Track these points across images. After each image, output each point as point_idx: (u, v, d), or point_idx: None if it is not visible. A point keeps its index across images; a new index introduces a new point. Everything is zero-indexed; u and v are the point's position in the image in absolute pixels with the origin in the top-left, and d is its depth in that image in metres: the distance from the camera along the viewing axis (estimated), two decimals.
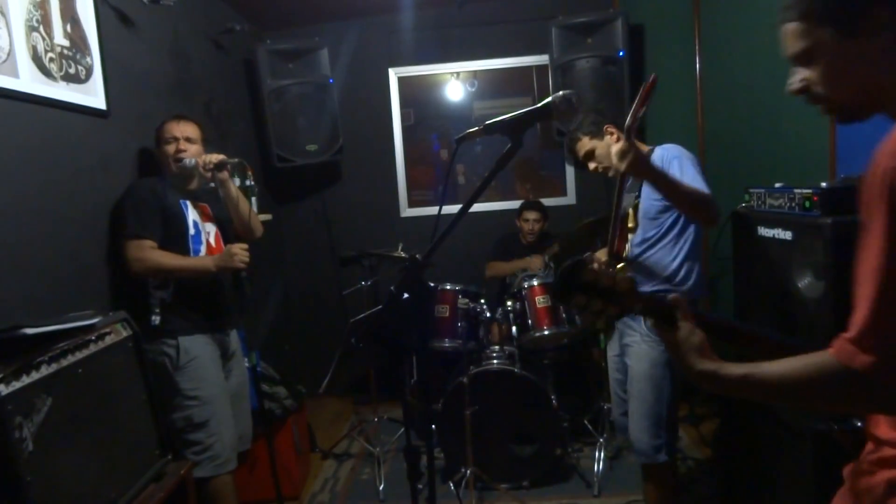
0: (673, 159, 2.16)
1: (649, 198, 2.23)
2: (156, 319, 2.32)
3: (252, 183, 2.73)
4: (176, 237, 2.38)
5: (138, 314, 2.26)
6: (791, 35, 1.04)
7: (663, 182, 1.98)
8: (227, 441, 2.42)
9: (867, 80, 1.00)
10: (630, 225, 2.29)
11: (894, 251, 0.86)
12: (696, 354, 1.06)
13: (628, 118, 1.88)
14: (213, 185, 2.61)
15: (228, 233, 2.63)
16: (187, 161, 2.46)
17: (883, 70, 0.98)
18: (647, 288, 2.26)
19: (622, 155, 1.89)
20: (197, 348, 2.38)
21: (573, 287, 1.04)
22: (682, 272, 2.22)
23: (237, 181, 2.75)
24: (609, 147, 2.24)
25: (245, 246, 2.39)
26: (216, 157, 2.47)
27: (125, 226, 2.30)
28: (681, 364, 1.07)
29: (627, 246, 2.31)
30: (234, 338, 2.61)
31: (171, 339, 2.34)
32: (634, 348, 2.29)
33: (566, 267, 1.04)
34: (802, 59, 1.04)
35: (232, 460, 2.43)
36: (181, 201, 2.44)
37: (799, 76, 1.07)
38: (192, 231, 2.44)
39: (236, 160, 2.51)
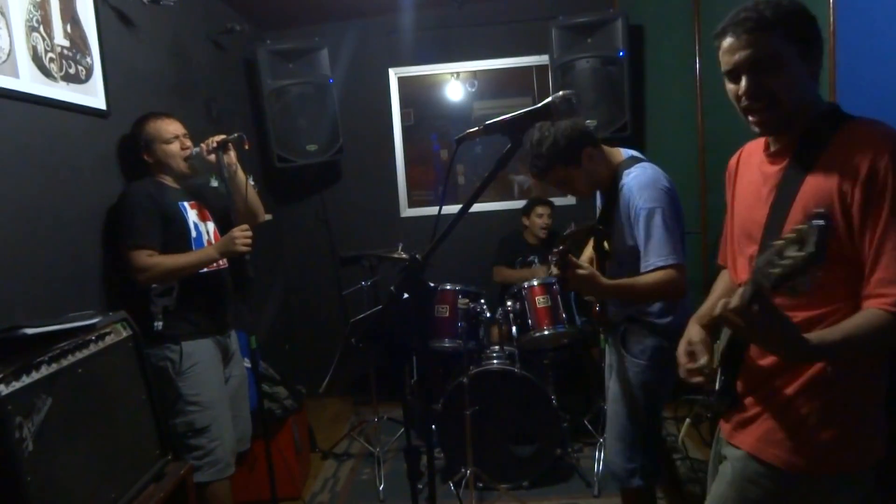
0: (640, 211, 1.93)
1: (619, 241, 2.07)
2: (158, 325, 2.30)
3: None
4: (178, 241, 2.37)
5: (140, 319, 2.25)
6: (758, 41, 1.20)
7: (616, 295, 2.00)
8: (228, 446, 2.42)
9: (804, 97, 1.23)
10: (607, 249, 2.15)
11: None
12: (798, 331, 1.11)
13: (555, 249, 1.86)
14: (213, 181, 2.59)
15: (226, 228, 2.61)
16: (193, 151, 2.45)
17: (810, 93, 1.25)
18: (622, 311, 2.16)
19: (564, 284, 1.87)
20: (199, 353, 2.37)
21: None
22: (658, 307, 2.09)
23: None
24: (582, 179, 2.10)
25: (245, 227, 2.36)
26: (217, 138, 2.44)
27: (125, 236, 2.27)
28: (785, 338, 1.09)
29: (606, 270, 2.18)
30: (233, 339, 2.61)
31: (174, 344, 2.32)
32: (615, 367, 2.22)
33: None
34: (764, 64, 1.20)
35: (231, 465, 2.43)
36: (179, 203, 2.42)
37: (750, 82, 1.22)
38: (193, 233, 2.43)
39: (235, 135, 2.47)
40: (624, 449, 2.16)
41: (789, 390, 1.27)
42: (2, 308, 1.82)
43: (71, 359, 1.63)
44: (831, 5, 2.46)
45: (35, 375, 1.48)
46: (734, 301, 1.06)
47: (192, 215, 2.45)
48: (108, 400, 1.77)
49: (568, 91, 1.36)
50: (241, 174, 2.56)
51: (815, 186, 1.19)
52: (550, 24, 3.98)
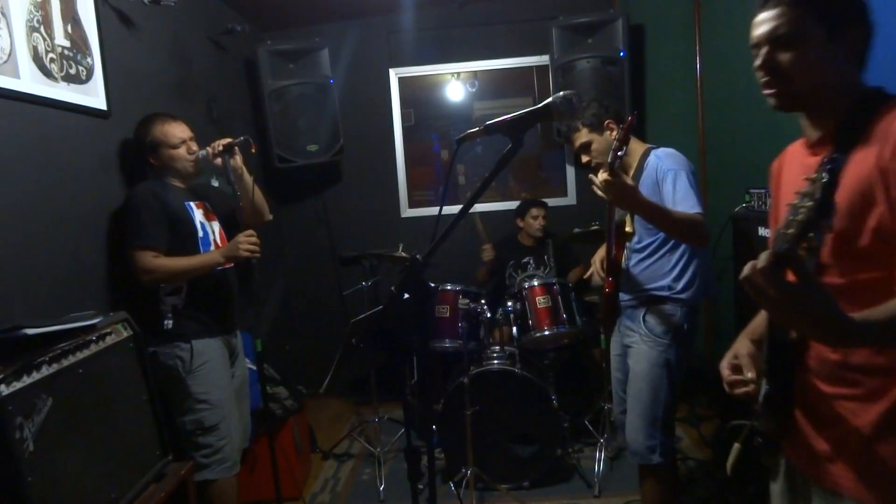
0: (668, 171, 2.15)
1: (640, 220, 2.23)
2: (168, 323, 2.30)
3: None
4: (185, 241, 2.36)
5: (149, 317, 2.27)
6: (783, 16, 1.16)
7: (649, 213, 2.02)
8: (236, 444, 2.43)
9: (825, 79, 1.18)
10: (627, 230, 2.28)
11: None
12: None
13: (609, 155, 1.87)
14: (214, 180, 2.59)
15: (231, 226, 2.61)
16: (200, 154, 2.44)
17: (834, 75, 1.18)
18: (645, 292, 2.27)
19: (607, 188, 1.89)
20: (209, 352, 2.37)
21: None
22: (683, 280, 2.23)
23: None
24: (607, 143, 2.24)
25: (251, 233, 2.37)
26: (224, 141, 2.45)
27: (130, 236, 2.27)
28: (820, 311, 0.95)
29: (625, 253, 2.30)
30: (238, 338, 2.61)
31: (185, 343, 2.32)
32: (634, 349, 2.30)
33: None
34: (783, 40, 1.17)
35: (238, 463, 2.44)
36: (185, 203, 2.42)
37: (766, 54, 1.19)
38: (200, 233, 2.42)
39: (241, 138, 2.47)
40: (645, 426, 2.26)
41: (871, 417, 1.13)
42: (2, 308, 1.82)
43: (71, 359, 1.63)
44: None
45: (35, 376, 1.49)
46: (760, 261, 0.94)
47: (198, 215, 2.45)
48: (109, 400, 1.77)
49: (568, 91, 1.35)
50: (247, 177, 2.56)
51: (857, 170, 1.10)
52: (551, 25, 3.98)
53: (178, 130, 2.42)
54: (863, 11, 1.17)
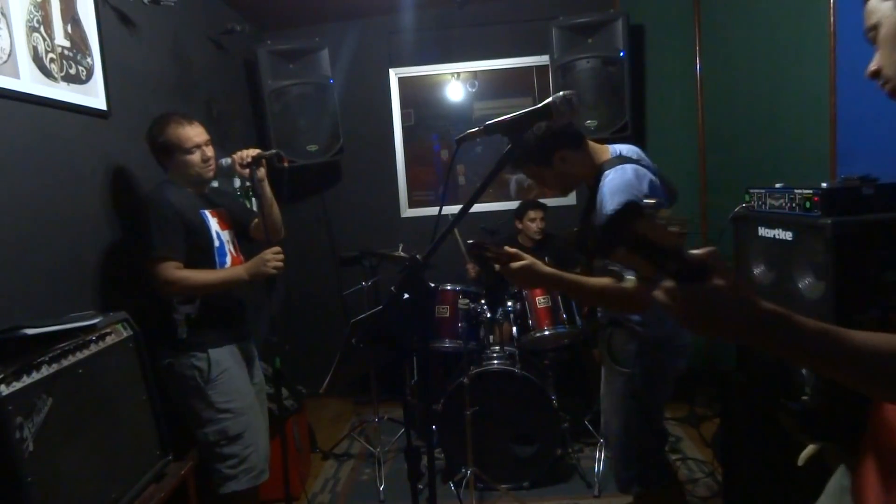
0: (605, 216, 1.84)
1: None
2: (182, 332, 2.24)
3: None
4: (202, 251, 2.29)
5: (162, 328, 2.23)
6: (869, 9, 0.98)
7: (560, 290, 1.94)
8: (262, 451, 2.37)
9: None
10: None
11: None
12: (755, 297, 0.83)
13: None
14: (219, 181, 2.51)
15: (246, 235, 2.57)
16: (223, 162, 2.37)
17: None
18: (608, 316, 2.11)
19: (508, 277, 1.84)
20: (227, 360, 2.32)
21: (619, 238, 0.84)
22: (650, 314, 1.99)
23: (237, 181, 2.70)
24: (554, 176, 2.05)
25: (278, 250, 2.29)
26: (252, 152, 2.36)
27: (150, 247, 2.17)
28: (733, 312, 0.82)
29: None
30: (252, 344, 2.57)
31: (201, 352, 2.25)
32: (605, 370, 2.17)
33: (618, 212, 0.84)
34: (870, 34, 0.98)
35: (266, 470, 2.38)
36: (201, 212, 2.33)
37: (876, 60, 1.00)
38: (216, 243, 2.35)
39: (272, 152, 2.39)
40: (621, 458, 2.14)
41: None
42: (2, 308, 1.82)
43: (71, 359, 1.63)
44: (831, 5, 2.46)
45: (35, 376, 1.49)
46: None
47: (213, 224, 2.37)
48: (109, 400, 1.77)
49: (568, 91, 1.35)
50: (268, 191, 2.46)
51: None
52: (551, 25, 3.98)
53: (193, 134, 2.31)
54: None
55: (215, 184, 2.79)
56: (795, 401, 1.08)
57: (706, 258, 0.83)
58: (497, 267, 1.84)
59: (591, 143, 2.06)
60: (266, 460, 2.40)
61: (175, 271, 2.18)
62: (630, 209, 0.83)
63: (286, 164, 2.44)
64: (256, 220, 2.56)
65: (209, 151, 2.36)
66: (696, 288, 0.82)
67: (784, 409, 1.09)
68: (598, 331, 2.25)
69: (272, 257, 2.27)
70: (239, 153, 2.37)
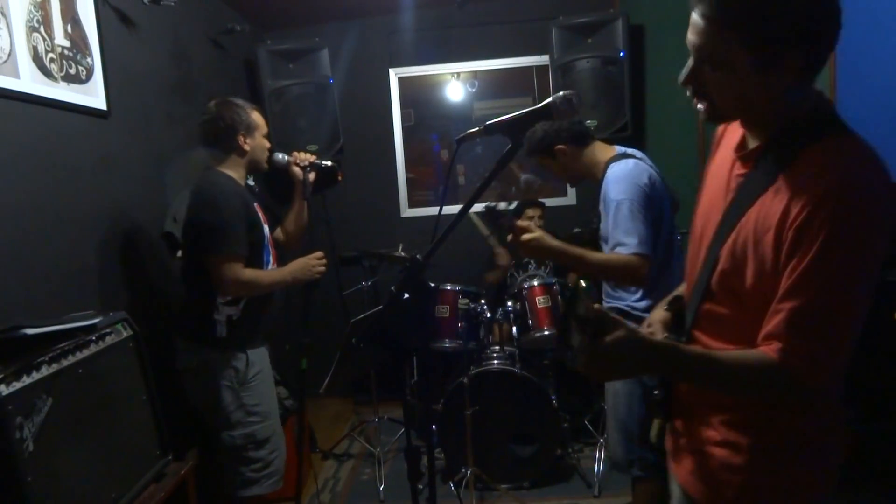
0: (610, 203, 2.03)
1: (604, 232, 2.14)
2: (222, 331, 2.19)
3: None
4: (255, 248, 2.23)
5: (199, 325, 2.20)
6: (709, 33, 1.00)
7: (565, 261, 2.05)
8: (283, 456, 2.36)
9: (756, 105, 1.05)
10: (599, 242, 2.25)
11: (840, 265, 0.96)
12: (645, 337, 1.05)
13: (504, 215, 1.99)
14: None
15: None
16: (280, 156, 2.36)
17: (764, 102, 1.04)
18: (612, 307, 2.19)
19: (515, 246, 1.97)
20: (260, 362, 2.30)
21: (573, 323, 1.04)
22: (645, 301, 2.10)
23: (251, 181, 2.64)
24: (560, 165, 2.26)
25: (321, 255, 2.30)
26: (311, 157, 2.38)
27: (221, 242, 2.10)
28: (634, 352, 1.01)
29: None
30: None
31: (241, 352, 2.22)
32: None
33: (567, 302, 1.05)
34: (709, 59, 1.03)
35: (283, 475, 2.38)
36: (254, 205, 2.28)
37: (692, 68, 1.08)
38: (266, 240, 2.32)
39: (330, 164, 2.42)
40: (622, 440, 2.21)
41: (716, 420, 1.15)
42: (2, 308, 1.82)
43: (71, 359, 1.63)
44: None
45: (35, 375, 1.49)
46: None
47: (262, 219, 2.33)
48: (109, 400, 1.77)
49: (568, 91, 1.36)
50: (309, 196, 2.49)
51: (764, 210, 1.03)
52: (551, 24, 3.97)
53: (264, 123, 2.33)
54: (807, 30, 0.96)
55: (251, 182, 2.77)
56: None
57: (603, 317, 1.00)
58: (509, 237, 2.00)
59: (599, 143, 2.27)
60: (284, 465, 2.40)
61: (245, 271, 2.14)
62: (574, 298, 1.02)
63: (340, 179, 2.49)
64: (286, 226, 2.56)
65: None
66: (602, 341, 0.99)
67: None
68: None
69: (316, 263, 2.28)
70: (298, 153, 2.40)
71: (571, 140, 2.21)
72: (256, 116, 2.31)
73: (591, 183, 2.31)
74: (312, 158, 2.39)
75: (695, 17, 1.02)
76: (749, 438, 1.11)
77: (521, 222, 2.02)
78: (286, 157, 2.39)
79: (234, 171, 2.28)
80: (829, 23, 0.98)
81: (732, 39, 0.98)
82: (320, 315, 4.63)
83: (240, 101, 2.31)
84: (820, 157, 0.99)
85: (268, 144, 2.35)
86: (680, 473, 1.25)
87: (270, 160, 2.38)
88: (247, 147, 2.28)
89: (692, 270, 1.23)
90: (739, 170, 1.14)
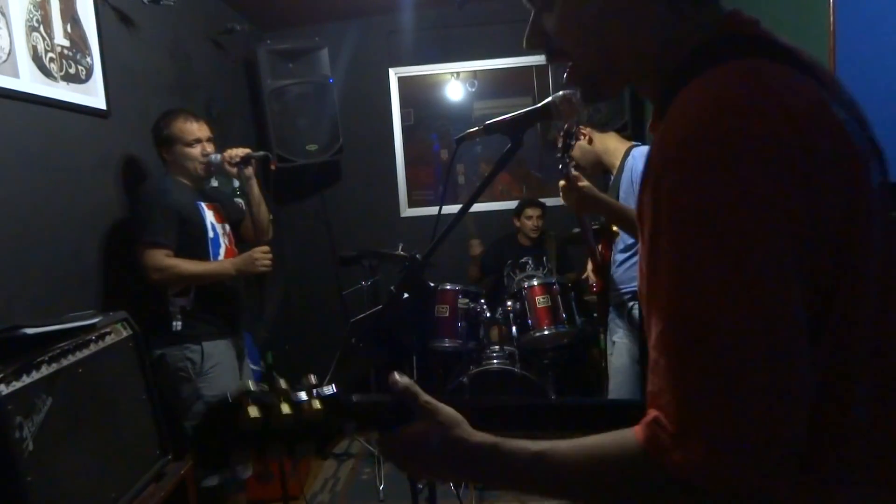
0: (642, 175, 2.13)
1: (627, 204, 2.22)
2: (177, 325, 2.27)
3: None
4: (196, 242, 2.33)
5: (156, 319, 2.25)
6: None
7: (614, 217, 2.07)
8: None
9: (622, 47, 0.73)
10: (614, 229, 2.29)
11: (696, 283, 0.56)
12: (460, 428, 0.74)
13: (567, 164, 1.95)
14: (218, 179, 2.56)
15: (237, 233, 2.60)
16: (213, 157, 2.41)
17: (631, 26, 0.71)
18: (630, 291, 2.23)
19: (564, 195, 1.96)
20: (219, 353, 2.35)
21: (227, 444, 0.73)
22: None
23: (236, 182, 2.70)
24: (581, 149, 2.30)
25: (266, 249, 2.34)
26: (241, 151, 2.41)
27: (141, 233, 2.23)
28: (438, 451, 0.73)
29: (612, 253, 2.32)
30: (244, 339, 2.60)
31: (195, 344, 2.30)
32: (618, 343, 2.29)
33: (210, 412, 0.74)
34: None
35: (248, 468, 2.43)
36: (197, 203, 2.38)
37: (531, 22, 0.79)
38: (210, 234, 2.39)
39: (261, 153, 2.45)
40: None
41: None
42: (2, 308, 1.82)
43: (71, 359, 1.63)
44: (831, 5, 2.46)
45: (35, 375, 1.48)
46: None
47: (209, 216, 2.42)
48: (108, 400, 1.77)
49: (568, 91, 1.35)
50: (256, 191, 2.52)
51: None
52: None
53: (196, 129, 2.40)
54: None
55: (215, 183, 2.80)
56: None
57: (405, 397, 0.77)
58: (561, 183, 1.98)
59: (616, 134, 2.40)
60: None
61: (164, 258, 2.22)
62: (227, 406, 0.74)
63: (274, 168, 2.51)
64: (246, 219, 2.60)
65: (209, 148, 2.42)
66: (396, 434, 0.75)
67: None
68: (606, 306, 2.38)
69: (261, 256, 2.32)
70: (228, 151, 2.42)
71: (594, 125, 2.34)
72: (179, 127, 2.38)
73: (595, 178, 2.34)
74: (243, 153, 2.42)
75: None
76: None
77: (574, 171, 1.98)
78: (219, 157, 2.43)
79: (179, 175, 2.42)
80: None
81: None
82: (320, 315, 4.65)
83: (173, 112, 2.44)
84: (677, 108, 0.63)
85: (194, 152, 2.39)
86: None
87: (208, 165, 2.43)
88: (166, 157, 2.41)
89: None
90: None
